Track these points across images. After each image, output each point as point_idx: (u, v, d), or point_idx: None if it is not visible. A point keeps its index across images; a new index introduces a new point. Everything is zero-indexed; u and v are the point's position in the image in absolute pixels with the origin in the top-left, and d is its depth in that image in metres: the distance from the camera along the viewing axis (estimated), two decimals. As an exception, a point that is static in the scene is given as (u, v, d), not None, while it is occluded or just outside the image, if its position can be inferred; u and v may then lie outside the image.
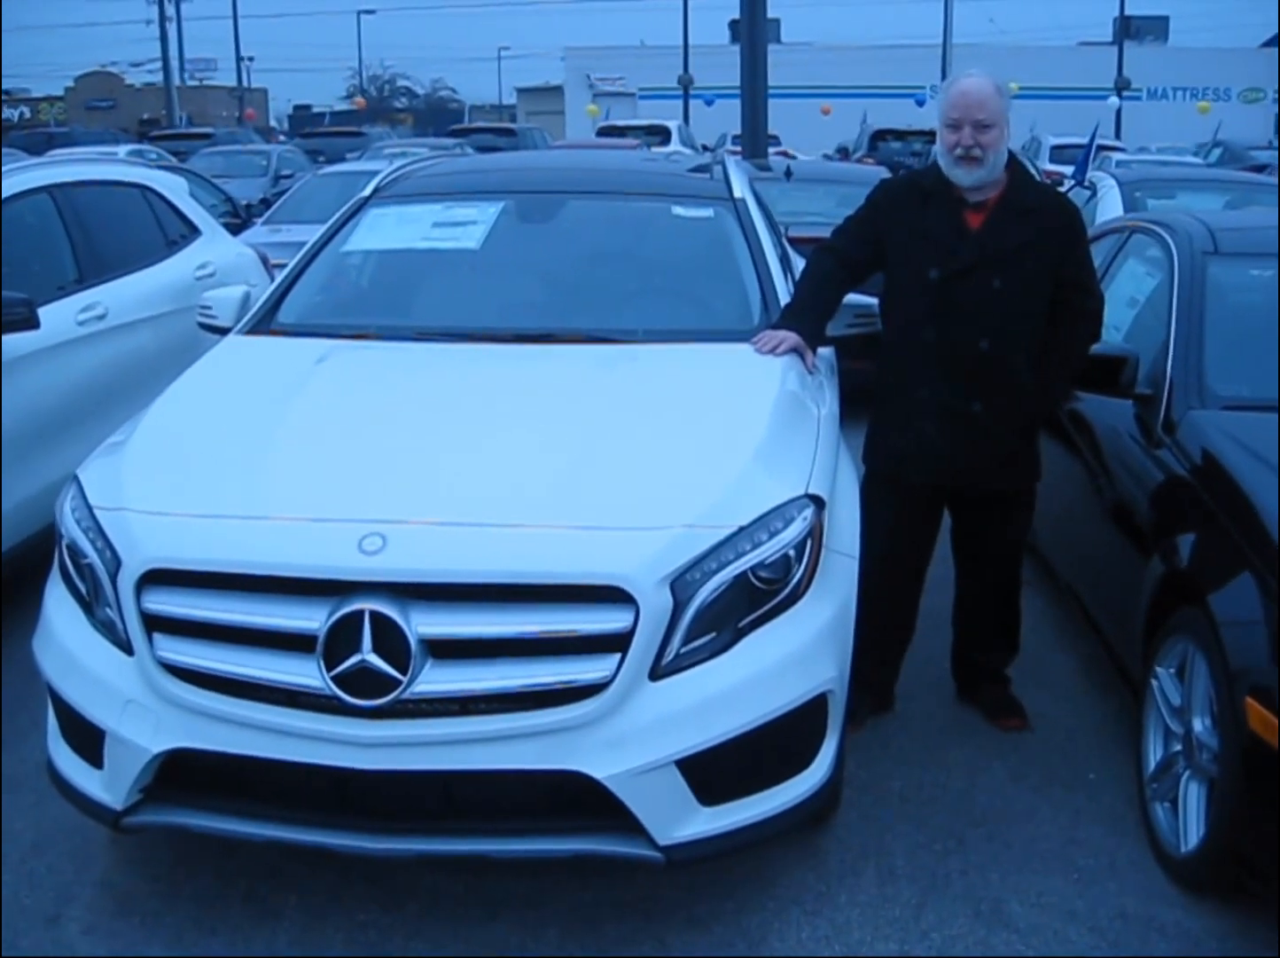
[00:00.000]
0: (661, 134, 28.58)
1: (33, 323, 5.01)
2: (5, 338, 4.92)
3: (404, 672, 2.89)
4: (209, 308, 4.75)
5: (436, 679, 2.93)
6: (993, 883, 3.53)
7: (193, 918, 3.36)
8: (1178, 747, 3.55)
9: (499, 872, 3.48)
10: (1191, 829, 3.42)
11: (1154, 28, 61.28)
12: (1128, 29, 49.29)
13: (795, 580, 3.18)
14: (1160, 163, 17.84)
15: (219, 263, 7.08)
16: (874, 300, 4.30)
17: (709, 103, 42.90)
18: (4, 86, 63.86)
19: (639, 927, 3.34)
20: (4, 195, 5.45)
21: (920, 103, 41.06)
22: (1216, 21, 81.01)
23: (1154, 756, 3.71)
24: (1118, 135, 36.32)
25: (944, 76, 26.32)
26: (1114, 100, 42.48)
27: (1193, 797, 3.44)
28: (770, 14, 17.29)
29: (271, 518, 3.12)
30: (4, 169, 5.62)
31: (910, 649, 4.43)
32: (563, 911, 3.39)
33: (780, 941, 3.30)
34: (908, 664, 4.46)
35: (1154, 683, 3.68)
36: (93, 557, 3.22)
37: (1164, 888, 3.50)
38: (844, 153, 29.16)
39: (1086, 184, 10.80)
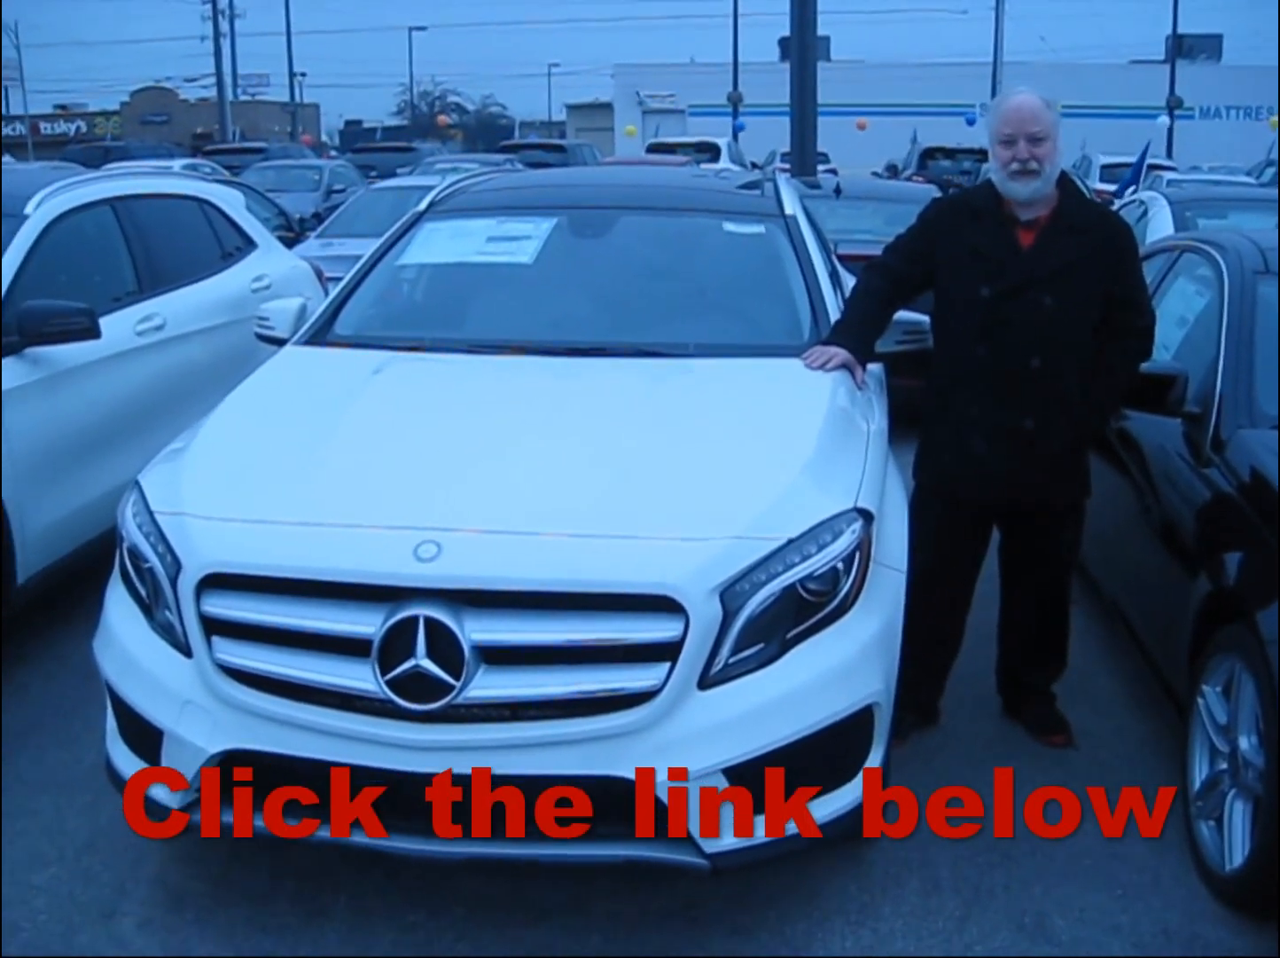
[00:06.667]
0: (711, 151, 28.66)
1: (94, 333, 5.11)
2: (67, 347, 5.03)
3: (457, 677, 2.94)
4: (267, 319, 4.84)
5: (488, 685, 2.97)
6: (1036, 897, 3.54)
7: (244, 916, 3.42)
8: (1223, 765, 3.56)
9: (543, 877, 3.51)
10: (1236, 847, 3.41)
11: (1207, 46, 60.65)
12: (1180, 47, 48.81)
13: (843, 593, 3.21)
14: (1212, 182, 17.70)
15: (274, 275, 7.18)
16: (924, 317, 4.32)
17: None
18: (61, 101, 64.90)
19: (682, 934, 3.37)
20: (70, 207, 5.59)
21: (970, 121, 40.73)
22: (1271, 40, 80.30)
23: (1199, 773, 3.71)
24: (1169, 154, 36.02)
25: (994, 95, 26.30)
26: (1163, 120, 41.99)
27: (1238, 815, 3.44)
28: (820, 31, 17.33)
29: (329, 524, 3.17)
30: (66, 182, 5.72)
31: (955, 664, 4.44)
32: (606, 917, 3.43)
33: (823, 950, 3.32)
34: (952, 679, 4.46)
35: (1200, 701, 3.68)
36: (153, 560, 3.29)
37: (1208, 905, 3.50)
38: (893, 170, 29.14)
39: (1128, 197, 10.77)
